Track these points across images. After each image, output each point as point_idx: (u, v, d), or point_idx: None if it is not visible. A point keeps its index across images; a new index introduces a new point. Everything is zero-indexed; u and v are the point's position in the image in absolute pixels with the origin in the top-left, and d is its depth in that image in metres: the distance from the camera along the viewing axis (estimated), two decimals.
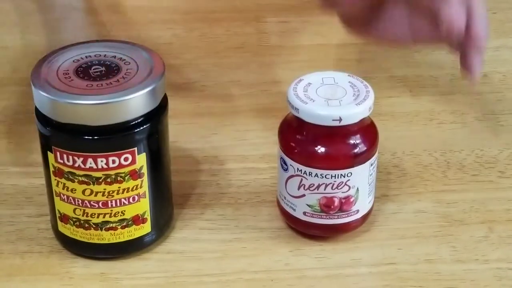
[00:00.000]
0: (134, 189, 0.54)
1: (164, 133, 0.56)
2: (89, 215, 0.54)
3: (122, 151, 0.52)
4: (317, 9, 0.61)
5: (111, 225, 0.55)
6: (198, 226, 0.59)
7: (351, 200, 0.56)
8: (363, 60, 0.76)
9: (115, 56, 0.55)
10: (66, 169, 0.53)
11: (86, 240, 0.55)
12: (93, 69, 0.54)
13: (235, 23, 0.82)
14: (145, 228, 0.56)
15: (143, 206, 0.55)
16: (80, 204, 0.54)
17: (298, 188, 0.56)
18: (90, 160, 0.52)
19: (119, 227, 0.55)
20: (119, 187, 0.54)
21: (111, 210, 0.54)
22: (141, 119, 0.52)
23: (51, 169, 0.54)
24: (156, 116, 0.54)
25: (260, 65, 0.76)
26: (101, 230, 0.55)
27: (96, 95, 0.51)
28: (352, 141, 0.55)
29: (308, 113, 0.54)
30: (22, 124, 0.69)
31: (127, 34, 0.80)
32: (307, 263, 0.56)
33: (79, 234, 0.55)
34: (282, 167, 0.56)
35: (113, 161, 0.53)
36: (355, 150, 0.55)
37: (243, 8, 0.84)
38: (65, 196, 0.54)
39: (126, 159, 0.53)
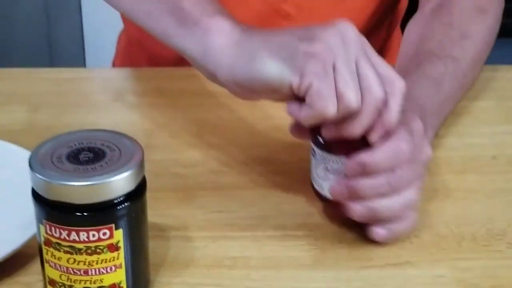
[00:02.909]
0: (111, 260, 0.62)
1: (141, 211, 0.63)
2: (72, 280, 0.62)
3: (101, 227, 0.60)
4: None
5: None
6: None
7: None
8: None
9: (103, 143, 0.63)
10: (54, 240, 0.61)
11: None
12: (83, 155, 0.62)
13: None
14: None
15: (120, 276, 0.62)
16: (65, 271, 0.62)
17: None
18: (73, 233, 0.60)
19: None
20: (98, 258, 0.61)
21: (91, 278, 0.62)
22: (119, 199, 0.60)
23: (42, 239, 0.62)
24: (133, 197, 0.61)
25: None
26: None
27: (81, 178, 0.59)
28: None
29: None
30: None
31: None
32: None
33: None
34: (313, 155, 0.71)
35: (93, 235, 0.60)
36: None
37: None
38: (53, 263, 0.62)
39: (104, 233, 0.60)
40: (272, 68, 0.66)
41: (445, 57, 0.85)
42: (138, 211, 0.63)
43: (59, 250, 0.61)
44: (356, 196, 0.69)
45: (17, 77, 1.00)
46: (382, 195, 0.68)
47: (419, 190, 0.71)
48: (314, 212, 0.76)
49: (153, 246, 0.70)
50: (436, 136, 0.87)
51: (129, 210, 0.61)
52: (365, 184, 0.68)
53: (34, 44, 2.06)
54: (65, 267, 0.62)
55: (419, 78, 0.81)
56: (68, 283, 0.62)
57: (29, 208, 0.64)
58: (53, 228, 0.60)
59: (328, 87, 0.65)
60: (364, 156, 0.68)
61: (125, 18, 1.11)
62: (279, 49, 0.67)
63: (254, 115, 0.91)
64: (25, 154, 0.77)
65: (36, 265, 0.67)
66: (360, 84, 0.66)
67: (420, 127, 0.71)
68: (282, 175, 0.81)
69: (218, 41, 0.69)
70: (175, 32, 0.72)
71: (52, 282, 0.63)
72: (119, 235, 0.61)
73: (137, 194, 0.62)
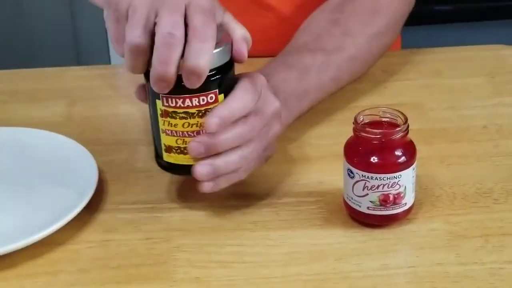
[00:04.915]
0: None
1: (233, 81, 0.75)
2: (187, 143, 0.75)
3: (208, 92, 0.74)
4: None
5: None
6: None
7: (401, 195, 0.76)
8: None
9: None
10: (170, 110, 0.74)
11: (186, 163, 0.76)
12: None
13: None
14: None
15: None
16: (180, 135, 0.75)
17: (363, 189, 0.76)
18: (187, 100, 0.73)
19: None
20: None
21: None
22: (217, 70, 0.73)
23: (159, 112, 0.74)
24: (226, 69, 0.74)
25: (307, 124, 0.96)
26: None
27: None
28: (397, 153, 0.76)
29: None
30: None
31: None
32: (349, 268, 0.75)
33: (180, 159, 0.75)
34: (349, 175, 0.76)
35: (203, 100, 0.73)
36: (400, 160, 0.76)
37: None
38: (169, 131, 0.75)
39: (211, 98, 0.74)
40: None
41: (316, 50, 0.92)
42: (232, 80, 0.76)
43: (175, 118, 0.74)
44: (214, 150, 0.74)
45: (52, 76, 1.11)
46: (236, 147, 0.75)
47: (264, 143, 0.78)
48: (324, 181, 0.86)
49: (184, 215, 0.81)
50: (432, 110, 0.97)
51: (226, 79, 0.75)
52: (221, 138, 0.74)
53: (60, 43, 2.13)
54: (180, 132, 0.75)
55: (278, 65, 0.89)
56: (183, 145, 0.75)
57: (77, 183, 0.75)
58: (169, 99, 0.74)
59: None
60: (220, 111, 0.74)
61: None
62: None
63: None
64: (68, 141, 0.89)
65: (83, 235, 0.78)
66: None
67: (265, 82, 0.78)
68: (295, 151, 0.92)
69: None
70: None
71: (168, 148, 0.76)
72: (222, 98, 0.75)
73: (229, 68, 0.75)
